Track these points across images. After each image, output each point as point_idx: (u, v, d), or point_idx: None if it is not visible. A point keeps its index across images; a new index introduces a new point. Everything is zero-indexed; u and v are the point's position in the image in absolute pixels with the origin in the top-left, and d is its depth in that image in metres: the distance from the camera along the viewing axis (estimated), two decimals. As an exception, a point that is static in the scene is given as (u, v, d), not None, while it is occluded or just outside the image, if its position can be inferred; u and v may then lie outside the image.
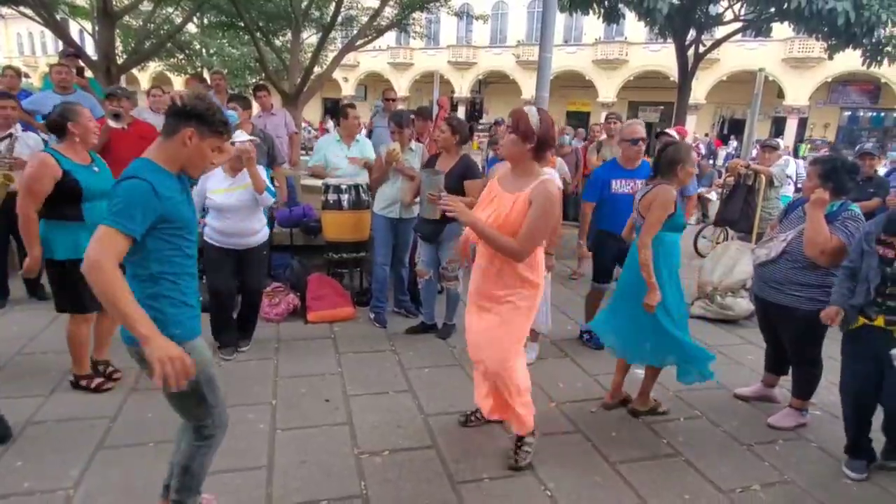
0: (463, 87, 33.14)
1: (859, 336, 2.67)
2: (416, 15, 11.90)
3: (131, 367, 3.45)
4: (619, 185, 3.91)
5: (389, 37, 23.98)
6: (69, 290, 3.03)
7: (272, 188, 3.71)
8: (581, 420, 3.17)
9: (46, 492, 2.37)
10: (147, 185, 1.73)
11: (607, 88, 29.59)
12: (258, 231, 3.70)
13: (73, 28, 12.63)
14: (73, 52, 6.78)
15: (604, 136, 6.23)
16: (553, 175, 3.65)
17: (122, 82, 9.46)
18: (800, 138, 26.19)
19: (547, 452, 2.83)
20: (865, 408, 2.76)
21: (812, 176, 2.99)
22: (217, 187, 3.55)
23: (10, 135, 4.12)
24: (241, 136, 3.51)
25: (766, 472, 2.78)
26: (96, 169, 3.11)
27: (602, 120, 6.46)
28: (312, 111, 32.22)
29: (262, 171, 3.61)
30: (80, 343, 3.15)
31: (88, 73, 8.00)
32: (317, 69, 10.49)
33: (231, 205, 3.52)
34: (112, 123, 4.19)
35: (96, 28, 9.84)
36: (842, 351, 2.82)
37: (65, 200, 2.94)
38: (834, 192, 2.92)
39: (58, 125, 2.95)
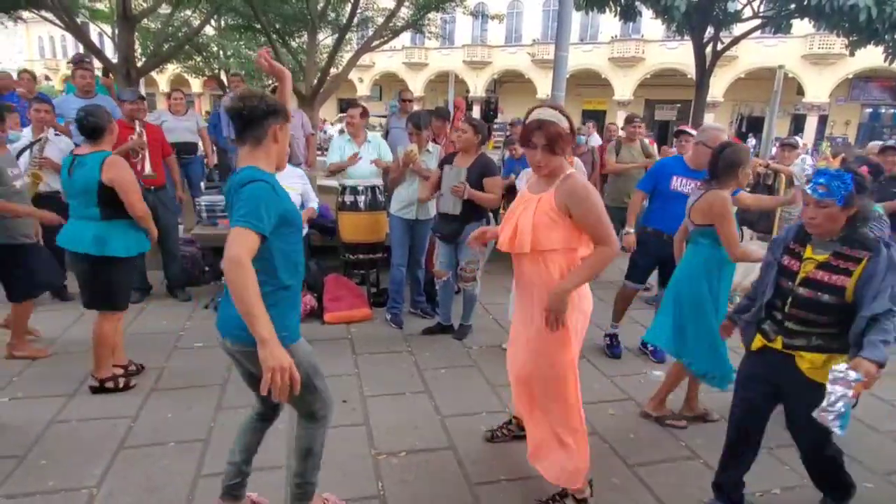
0: (478, 86, 33.08)
1: (757, 359, 2.25)
2: (432, 15, 11.89)
3: (153, 367, 3.53)
4: (679, 183, 3.67)
5: (404, 37, 24.01)
6: (125, 285, 3.22)
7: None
8: (598, 422, 3.15)
9: (70, 490, 2.41)
10: (268, 185, 1.80)
11: (623, 87, 29.36)
12: None
13: (93, 31, 12.83)
14: (81, 56, 6.90)
15: (622, 135, 6.10)
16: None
17: (141, 85, 9.60)
18: (820, 136, 25.75)
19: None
20: (745, 443, 2.34)
21: None
22: None
23: (41, 138, 4.24)
24: None
25: (786, 476, 2.74)
26: None
27: (618, 120, 6.31)
28: (328, 112, 32.40)
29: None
30: (112, 342, 3.22)
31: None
32: (333, 70, 10.53)
33: None
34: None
35: (116, 31, 9.98)
36: (737, 371, 2.42)
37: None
38: None
39: (98, 128, 3.04)
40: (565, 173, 2.24)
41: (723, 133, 3.66)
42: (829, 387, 1.81)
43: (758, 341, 2.24)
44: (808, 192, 2.00)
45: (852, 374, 1.78)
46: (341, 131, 5.94)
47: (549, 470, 2.43)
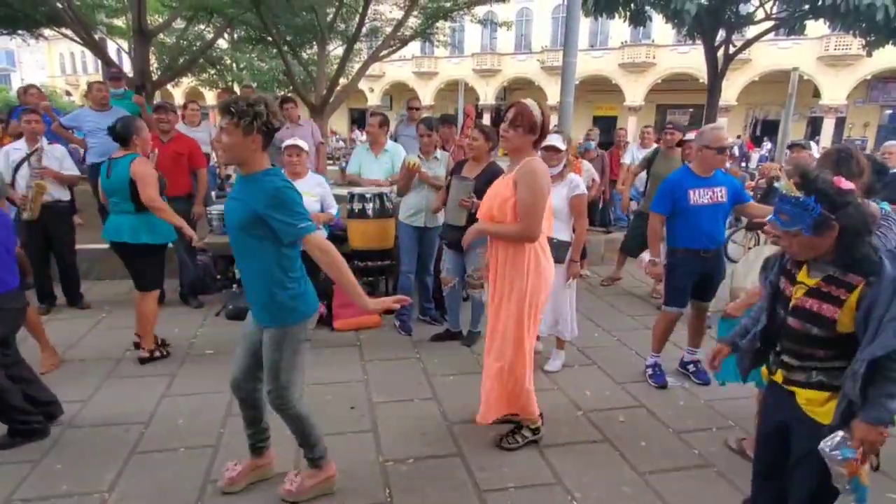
0: (488, 94, 33.18)
1: (769, 391, 2.02)
2: (440, 24, 11.98)
3: (164, 374, 3.56)
4: (697, 196, 3.45)
5: (414, 46, 24.19)
6: (157, 269, 3.77)
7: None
8: (609, 429, 3.12)
9: (83, 494, 2.44)
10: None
11: (634, 92, 29.23)
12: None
13: (111, 47, 13.14)
14: (117, 72, 7.15)
15: (655, 145, 5.85)
16: (577, 181, 3.63)
17: (157, 98, 9.80)
18: (838, 139, 25.38)
19: (574, 461, 2.79)
20: (767, 476, 2.03)
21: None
22: None
23: (37, 149, 4.29)
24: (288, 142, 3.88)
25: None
26: None
27: (629, 125, 6.19)
28: (339, 121, 32.67)
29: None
30: (153, 317, 3.79)
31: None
32: (342, 80, 10.66)
33: None
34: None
35: (132, 46, 10.22)
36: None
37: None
38: (862, 191, 2.84)
39: (123, 135, 3.55)
40: (527, 158, 2.57)
41: (722, 130, 3.53)
42: (828, 463, 1.62)
43: (763, 374, 2.02)
44: (774, 222, 1.74)
45: (838, 455, 1.56)
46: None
47: (500, 406, 2.82)
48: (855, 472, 1.56)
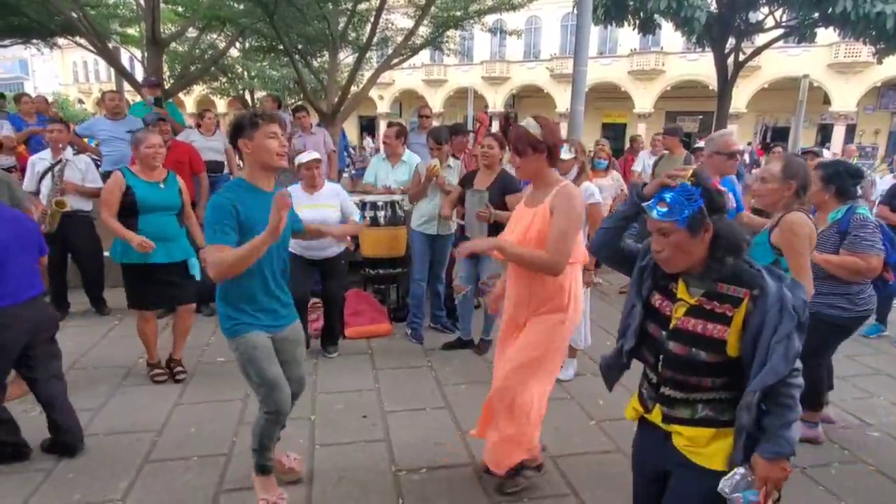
0: (496, 101, 33.23)
1: (641, 433, 1.77)
2: (450, 32, 12.01)
3: (176, 382, 3.57)
4: None
5: (424, 54, 24.29)
6: (129, 289, 3.53)
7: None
8: (622, 439, 3.08)
9: (97, 503, 2.45)
10: (220, 196, 2.20)
11: (644, 99, 29.18)
12: (334, 243, 3.87)
13: (124, 55, 13.29)
14: (154, 80, 7.29)
15: (665, 152, 5.88)
16: (591, 189, 3.61)
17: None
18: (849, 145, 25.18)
19: (588, 472, 2.76)
20: None
21: (815, 180, 2.91)
22: (299, 203, 3.75)
23: (61, 160, 4.33)
24: (306, 157, 3.81)
25: (820, 497, 2.64)
26: (162, 186, 3.49)
27: (637, 132, 6.12)
28: (348, 129, 32.83)
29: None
30: (143, 336, 3.61)
31: (134, 100, 8.40)
32: (353, 88, 10.69)
33: (313, 219, 3.62)
34: None
35: (145, 55, 10.35)
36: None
37: (124, 212, 3.39)
38: (837, 195, 2.86)
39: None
40: (559, 185, 2.32)
41: (731, 135, 3.54)
42: None
43: (631, 411, 1.76)
44: (646, 209, 1.53)
45: (740, 499, 1.41)
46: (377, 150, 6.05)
47: (510, 455, 2.52)
48: None
